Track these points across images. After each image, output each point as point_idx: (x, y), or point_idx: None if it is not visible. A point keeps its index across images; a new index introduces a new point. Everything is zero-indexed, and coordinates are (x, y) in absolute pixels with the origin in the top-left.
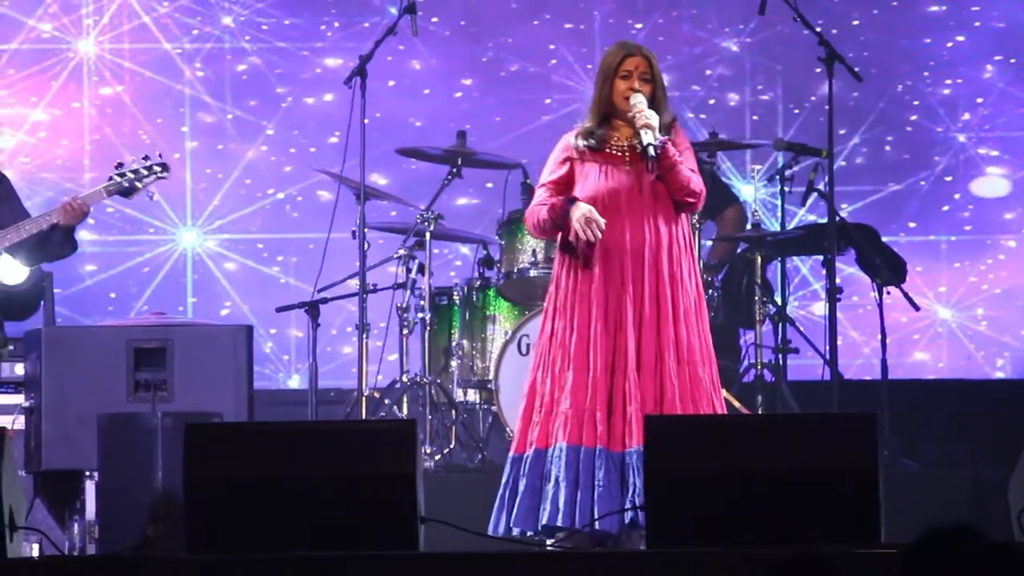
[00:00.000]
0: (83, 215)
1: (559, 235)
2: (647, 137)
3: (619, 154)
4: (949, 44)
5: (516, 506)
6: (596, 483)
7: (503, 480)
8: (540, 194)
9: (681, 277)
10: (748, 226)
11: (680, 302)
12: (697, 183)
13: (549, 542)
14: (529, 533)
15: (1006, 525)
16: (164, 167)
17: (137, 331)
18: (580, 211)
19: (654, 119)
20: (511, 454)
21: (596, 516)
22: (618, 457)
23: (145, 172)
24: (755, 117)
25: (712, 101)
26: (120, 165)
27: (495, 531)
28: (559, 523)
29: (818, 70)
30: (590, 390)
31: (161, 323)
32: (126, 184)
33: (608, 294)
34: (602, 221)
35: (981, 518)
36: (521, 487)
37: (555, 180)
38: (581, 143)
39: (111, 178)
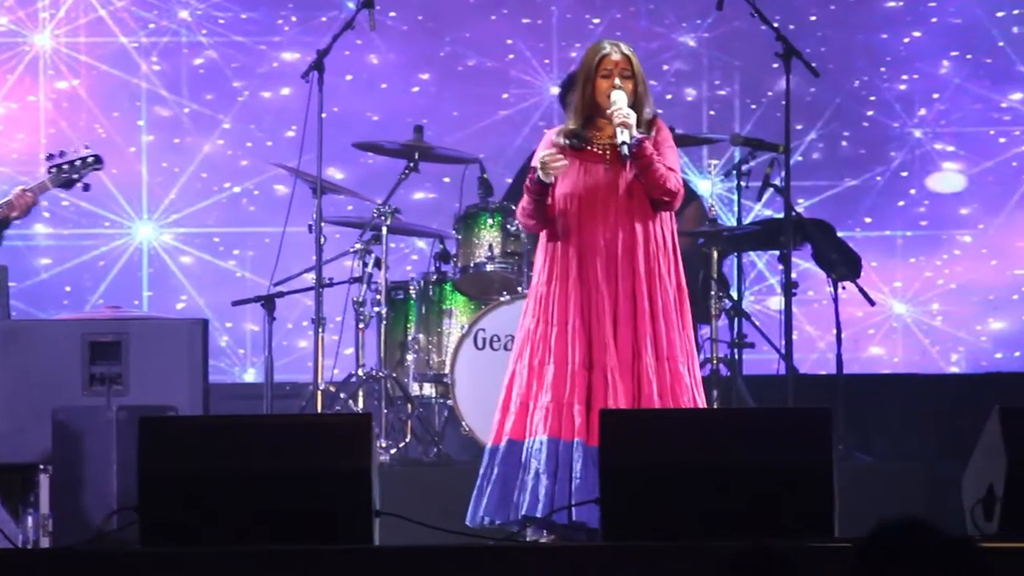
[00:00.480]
0: (32, 207)
1: (544, 231)
2: (623, 135)
3: (600, 152)
4: (906, 40)
5: (487, 496)
6: (573, 476)
7: (480, 471)
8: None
9: (660, 274)
10: (706, 222)
11: (658, 299)
12: (674, 182)
13: (529, 533)
14: (499, 522)
15: (960, 520)
16: (97, 159)
17: (92, 325)
18: (540, 159)
19: (631, 117)
20: (488, 445)
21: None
22: (595, 451)
23: (80, 163)
24: (712, 112)
25: (669, 96)
26: (52, 156)
27: (472, 521)
28: (538, 514)
29: (775, 65)
30: (569, 384)
31: (116, 317)
32: (64, 176)
33: (585, 291)
34: (561, 160)
35: (935, 513)
36: (494, 477)
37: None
38: (563, 142)
39: (51, 170)
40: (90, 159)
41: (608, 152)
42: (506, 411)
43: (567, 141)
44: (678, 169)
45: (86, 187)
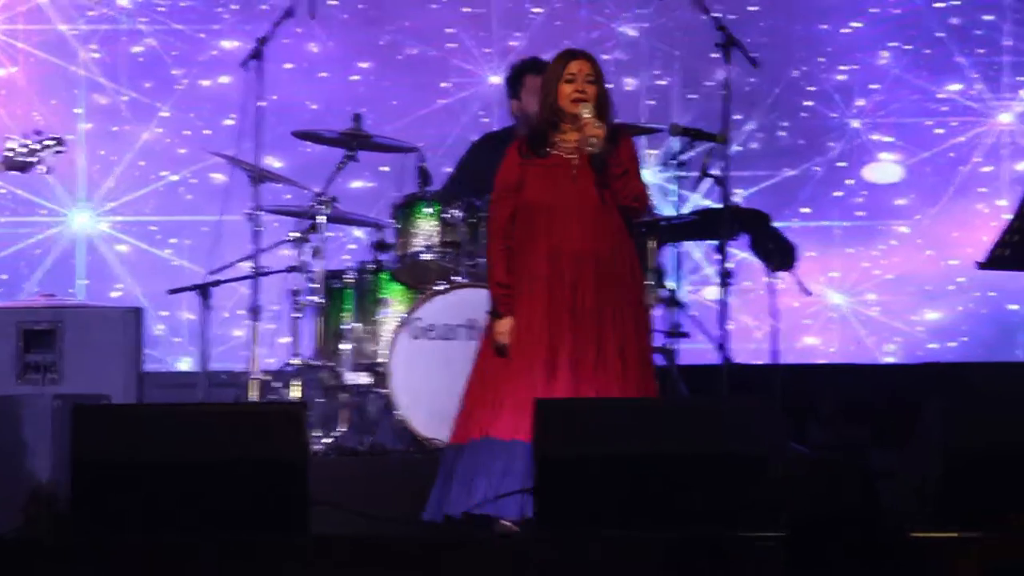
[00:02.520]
0: None
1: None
2: (593, 148)
3: (567, 158)
4: (845, 31)
5: (451, 492)
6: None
7: (440, 467)
8: (498, 213)
9: (625, 280)
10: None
11: (624, 304)
12: (641, 190)
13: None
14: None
15: (895, 510)
16: (59, 140)
17: (27, 313)
18: (500, 331)
19: (601, 129)
20: (449, 441)
21: (527, 507)
22: None
23: (39, 147)
24: (651, 102)
25: (609, 86)
26: (11, 138)
27: (430, 515)
28: (493, 513)
29: (715, 56)
30: (531, 386)
31: (51, 305)
32: (21, 159)
33: (552, 294)
34: (507, 351)
35: (870, 503)
36: (456, 474)
37: (505, 189)
38: (528, 148)
39: (5, 153)
40: (50, 140)
41: (574, 158)
42: (467, 409)
43: (532, 148)
44: (641, 176)
45: (49, 170)
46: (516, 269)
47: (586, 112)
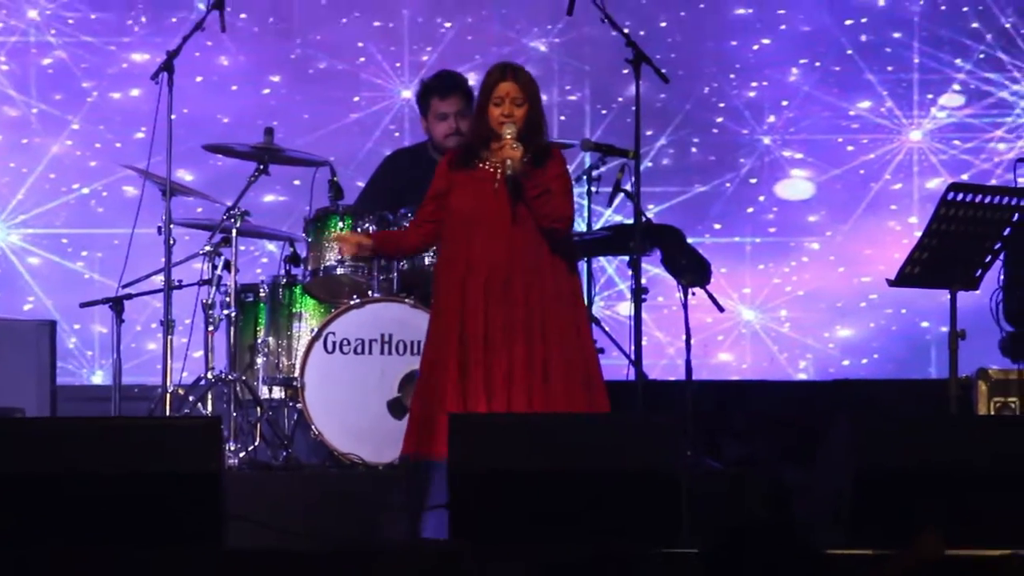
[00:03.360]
0: None
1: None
2: (509, 169)
3: (491, 170)
4: (755, 47)
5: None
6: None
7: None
8: (419, 211)
9: (547, 293)
10: None
11: (551, 318)
12: (562, 211)
13: None
14: None
15: (807, 526)
16: None
17: None
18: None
19: (518, 152)
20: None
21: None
22: None
23: None
24: (563, 117)
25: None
26: None
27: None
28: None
29: (625, 71)
30: (444, 401)
31: None
32: None
33: (465, 308)
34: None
35: (782, 519)
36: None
37: (431, 194)
38: (455, 161)
39: None
40: None
41: (498, 173)
42: (409, 425)
43: (459, 161)
44: (569, 196)
45: None
46: (440, 283)
47: (508, 133)
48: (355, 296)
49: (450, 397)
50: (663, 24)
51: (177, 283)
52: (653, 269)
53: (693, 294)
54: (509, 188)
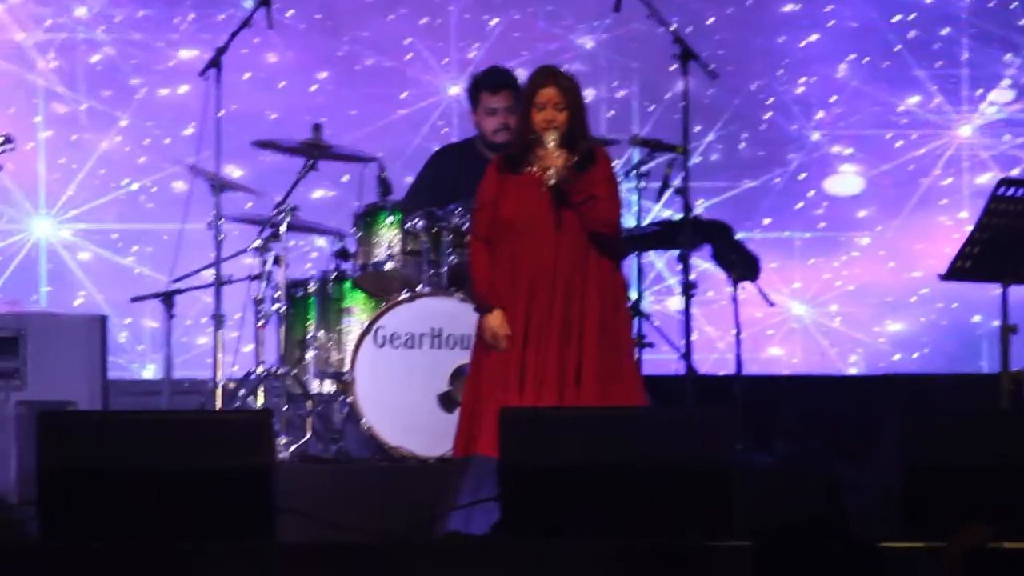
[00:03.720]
0: None
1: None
2: (552, 178)
3: (537, 174)
4: (803, 43)
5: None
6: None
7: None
8: (478, 226)
9: (595, 297)
10: None
11: (594, 321)
12: (608, 216)
13: None
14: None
15: (858, 520)
16: (7, 139)
17: None
18: (490, 325)
19: (560, 160)
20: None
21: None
22: None
23: None
24: (611, 113)
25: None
26: None
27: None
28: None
29: (673, 67)
30: (502, 403)
31: (15, 312)
32: None
33: (515, 313)
34: (504, 341)
35: (833, 514)
36: (466, 484)
37: (485, 201)
38: (504, 165)
39: None
40: None
41: (543, 177)
42: (464, 423)
43: (507, 165)
44: (616, 199)
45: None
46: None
47: (551, 141)
48: (405, 290)
49: (493, 394)
50: (711, 20)
51: (227, 278)
52: (703, 264)
53: (743, 289)
54: (553, 196)
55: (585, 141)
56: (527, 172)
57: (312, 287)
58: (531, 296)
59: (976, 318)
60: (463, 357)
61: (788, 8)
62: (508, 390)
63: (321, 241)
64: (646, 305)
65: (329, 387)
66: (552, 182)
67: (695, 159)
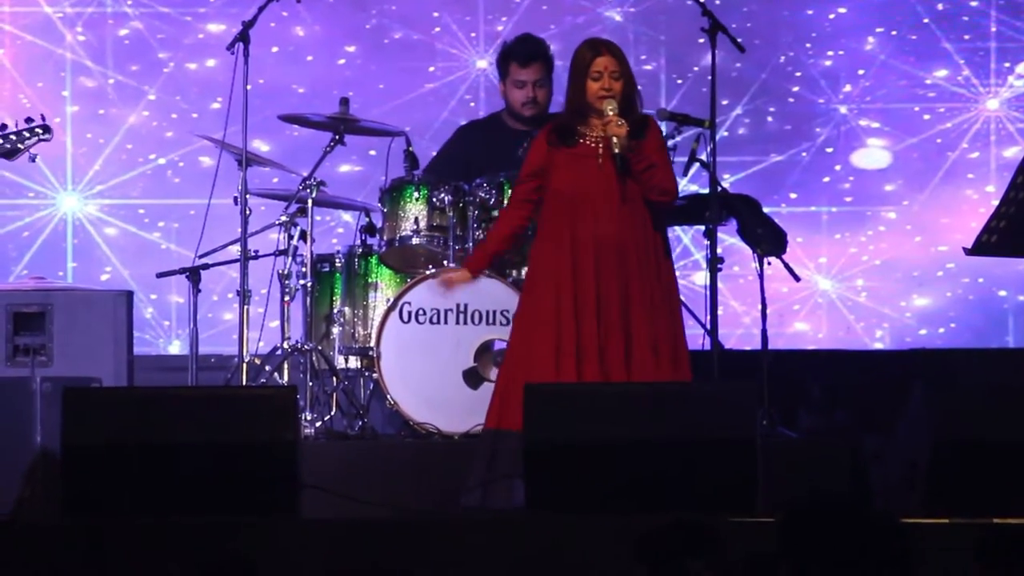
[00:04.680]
0: None
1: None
2: (616, 146)
3: (592, 146)
4: (831, 16)
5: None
6: None
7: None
8: (517, 189)
9: (651, 269)
10: None
11: (649, 295)
12: (667, 184)
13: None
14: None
15: (884, 495)
16: (46, 128)
17: (16, 295)
18: (449, 274)
19: (623, 128)
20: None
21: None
22: None
23: (27, 134)
24: (638, 87)
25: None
26: (2, 127)
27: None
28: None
29: (701, 40)
30: (558, 377)
31: (41, 287)
32: (8, 145)
33: (577, 285)
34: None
35: (859, 488)
36: (489, 459)
37: (529, 171)
38: (555, 138)
39: None
40: (39, 128)
41: (600, 148)
42: (497, 396)
43: (559, 137)
44: (670, 167)
45: (32, 158)
46: (541, 259)
47: (610, 110)
48: (431, 266)
49: (567, 374)
50: None
51: (253, 253)
52: (729, 239)
53: (769, 263)
54: (617, 165)
55: (638, 110)
56: (581, 144)
57: (338, 262)
58: (599, 269)
59: (1002, 293)
60: (489, 333)
61: None
62: (564, 366)
63: (347, 216)
64: None
65: (355, 363)
66: (617, 150)
67: (722, 133)
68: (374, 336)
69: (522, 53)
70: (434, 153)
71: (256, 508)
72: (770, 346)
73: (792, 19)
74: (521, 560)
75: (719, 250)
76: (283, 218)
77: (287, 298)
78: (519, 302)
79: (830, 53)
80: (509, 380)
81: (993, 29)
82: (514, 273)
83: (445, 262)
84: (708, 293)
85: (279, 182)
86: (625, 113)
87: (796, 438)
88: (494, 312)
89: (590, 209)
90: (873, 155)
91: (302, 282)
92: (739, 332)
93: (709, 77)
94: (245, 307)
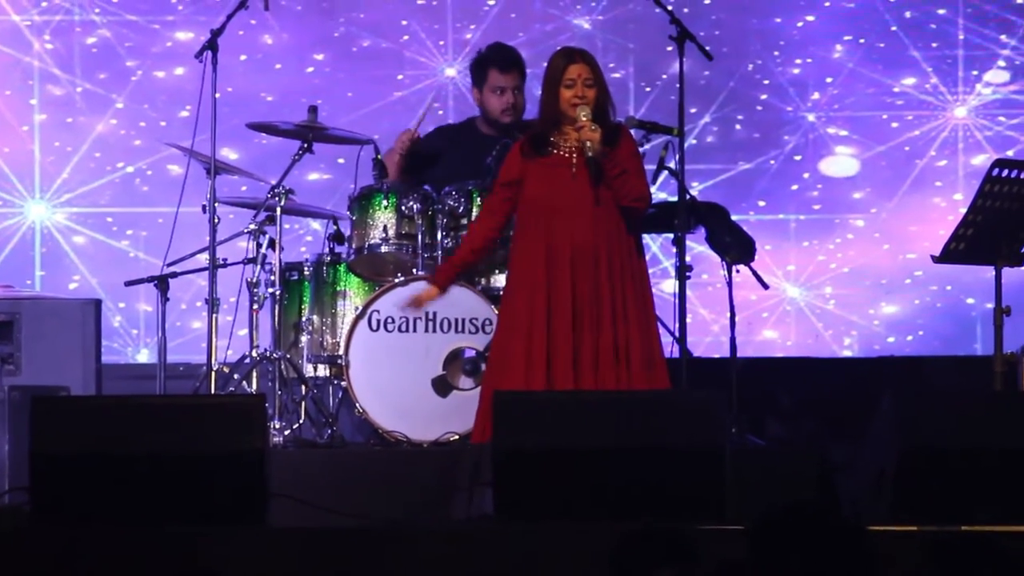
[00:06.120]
0: None
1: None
2: (590, 150)
3: (566, 157)
4: (799, 24)
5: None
6: None
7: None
8: (490, 199)
9: (626, 275)
10: None
11: (623, 303)
12: (640, 190)
13: None
14: None
15: (851, 503)
16: None
17: None
18: (418, 294)
19: (596, 133)
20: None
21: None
22: None
23: None
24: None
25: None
26: None
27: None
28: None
29: (669, 48)
30: (526, 383)
31: (8, 296)
32: None
33: (551, 292)
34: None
35: (827, 497)
36: (472, 471)
37: (503, 182)
38: (530, 147)
39: None
40: None
41: (574, 157)
42: (481, 414)
43: (533, 147)
44: (643, 174)
45: None
46: (517, 269)
47: (583, 116)
48: (399, 274)
49: (539, 385)
50: (707, 1)
51: (222, 262)
52: (697, 247)
53: (738, 271)
54: (591, 170)
55: (611, 117)
56: (554, 153)
57: (307, 271)
58: (574, 276)
59: (970, 300)
60: (458, 341)
61: None
62: (560, 377)
63: (316, 224)
64: None
65: (323, 371)
66: (590, 154)
67: (690, 141)
68: (343, 344)
69: (502, 59)
70: None
71: (224, 517)
72: (739, 354)
73: (760, 27)
74: (490, 569)
75: (688, 258)
76: (252, 226)
77: (256, 306)
78: (499, 314)
79: (798, 61)
80: (488, 392)
81: (961, 37)
82: (483, 281)
83: (414, 270)
84: (677, 301)
85: (248, 190)
86: (598, 121)
87: (764, 446)
88: (463, 320)
89: (565, 218)
90: (841, 163)
91: (271, 290)
92: (708, 340)
93: (677, 85)
94: (214, 315)
